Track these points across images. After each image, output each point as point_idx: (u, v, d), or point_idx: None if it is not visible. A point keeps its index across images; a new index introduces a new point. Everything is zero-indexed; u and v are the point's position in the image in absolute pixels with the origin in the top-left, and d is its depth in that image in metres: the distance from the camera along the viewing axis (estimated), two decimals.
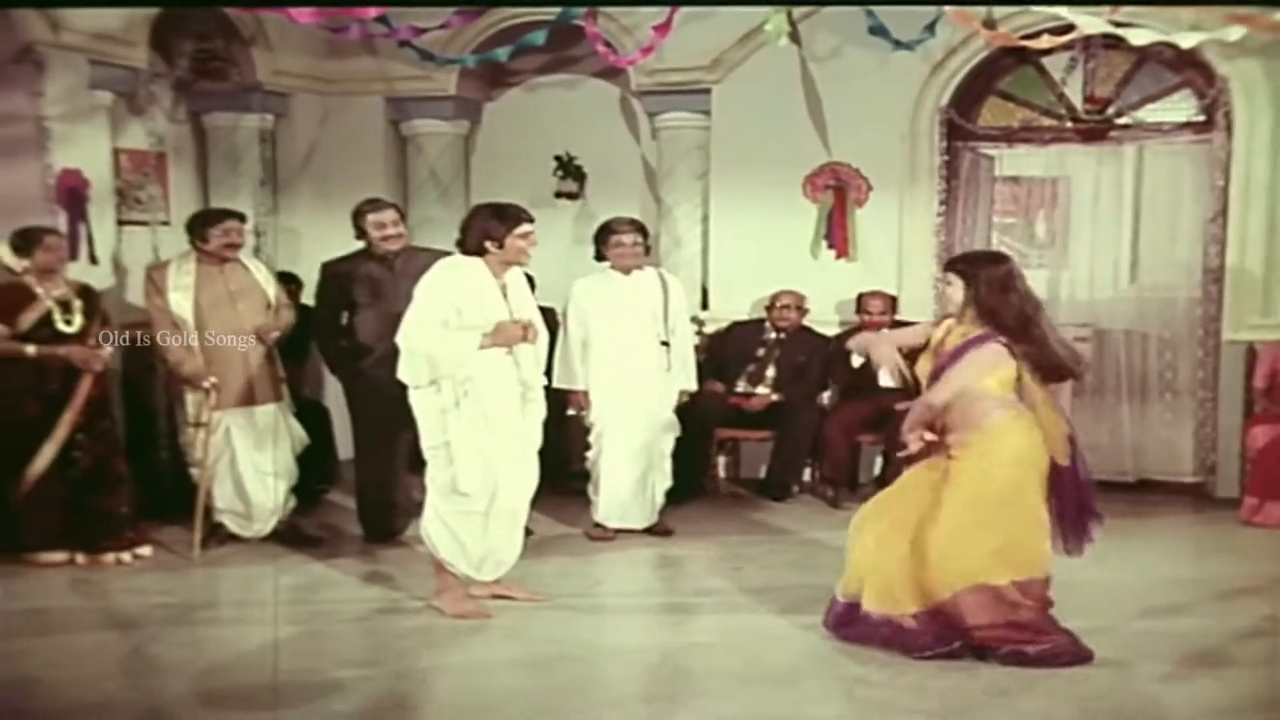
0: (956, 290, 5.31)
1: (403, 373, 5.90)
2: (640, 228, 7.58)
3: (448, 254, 7.34)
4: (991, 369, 5.17)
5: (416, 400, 5.91)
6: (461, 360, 5.78)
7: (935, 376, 5.29)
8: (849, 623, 5.43)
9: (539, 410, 6.10)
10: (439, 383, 5.82)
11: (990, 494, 5.12)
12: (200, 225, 7.24)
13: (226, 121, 9.19)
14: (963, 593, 5.11)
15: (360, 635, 5.86)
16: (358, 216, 7.24)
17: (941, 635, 5.18)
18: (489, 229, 5.90)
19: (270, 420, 7.26)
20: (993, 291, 5.20)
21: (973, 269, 5.33)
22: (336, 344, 7.32)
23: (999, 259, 5.53)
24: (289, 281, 8.70)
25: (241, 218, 7.41)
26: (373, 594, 6.43)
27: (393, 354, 6.92)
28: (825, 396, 8.63)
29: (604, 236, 7.52)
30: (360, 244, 7.29)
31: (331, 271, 7.35)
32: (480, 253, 5.92)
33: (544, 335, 6.16)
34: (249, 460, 7.18)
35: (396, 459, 7.26)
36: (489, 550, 5.99)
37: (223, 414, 7.10)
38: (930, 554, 5.14)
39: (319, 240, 9.38)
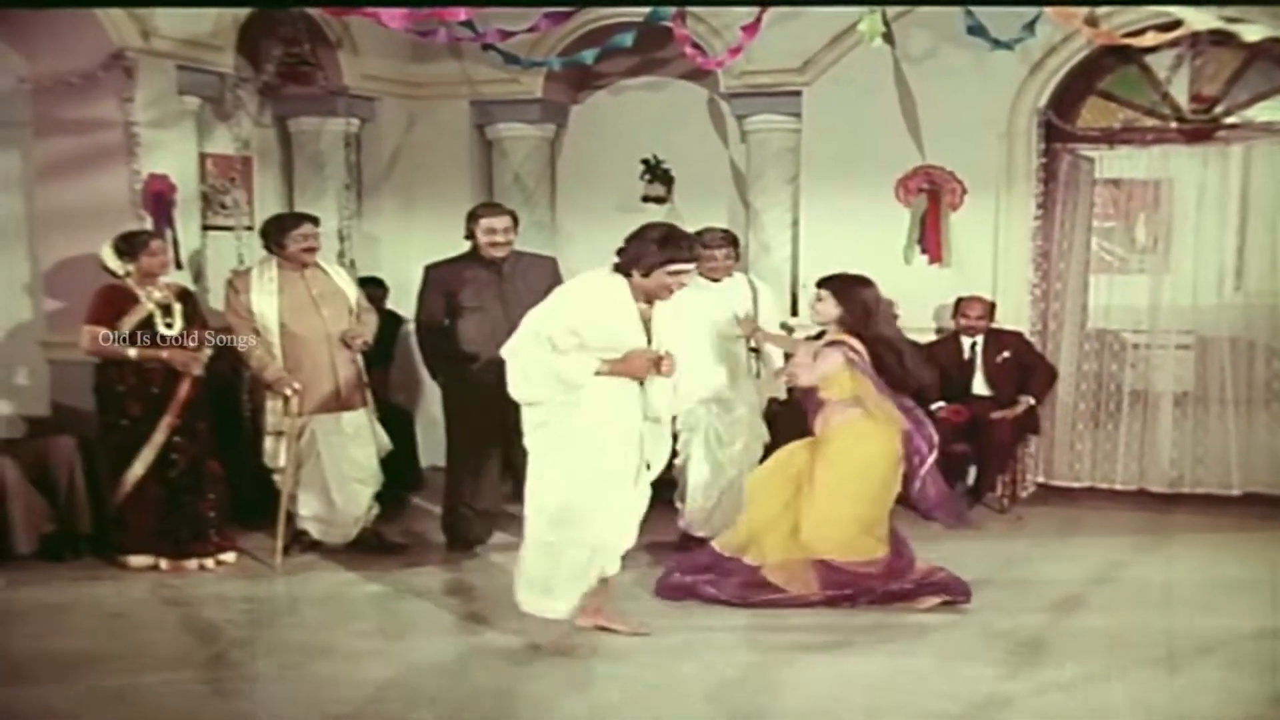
0: (828, 306, 6.40)
1: (509, 384, 5.76)
2: (732, 239, 7.63)
3: (552, 259, 7.59)
4: (833, 373, 6.32)
5: (524, 414, 5.81)
6: (567, 383, 5.56)
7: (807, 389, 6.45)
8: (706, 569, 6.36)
9: (663, 449, 5.93)
10: (542, 403, 5.67)
11: (847, 481, 6.25)
12: (275, 231, 7.41)
13: (312, 126, 9.41)
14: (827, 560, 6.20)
15: (444, 654, 5.94)
16: (471, 219, 7.40)
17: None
18: (644, 254, 5.57)
19: (355, 426, 7.42)
20: (860, 309, 6.36)
21: (844, 289, 6.41)
22: (439, 348, 7.45)
23: (868, 282, 6.52)
24: (373, 286, 8.91)
25: (315, 221, 7.56)
26: (453, 604, 6.55)
27: (497, 360, 7.12)
28: (936, 406, 8.63)
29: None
30: (464, 247, 7.46)
31: (436, 274, 7.49)
32: (628, 274, 5.63)
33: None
34: (334, 466, 7.34)
35: (489, 467, 7.41)
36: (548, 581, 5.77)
37: (308, 419, 7.28)
38: (804, 525, 6.26)
39: (402, 245, 9.65)
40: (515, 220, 7.54)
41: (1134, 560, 7.21)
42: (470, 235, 7.41)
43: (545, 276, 7.48)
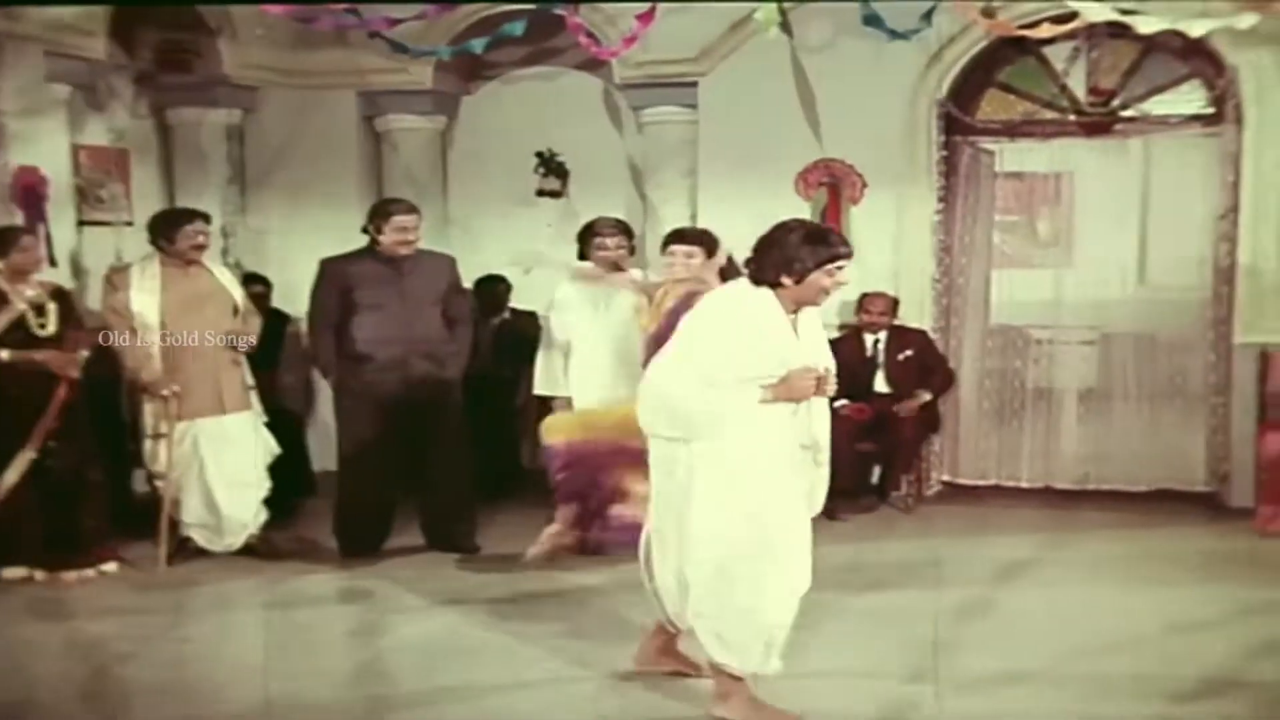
0: (698, 260, 6.51)
1: (643, 418, 4.95)
2: (625, 229, 7.58)
3: (450, 258, 7.49)
4: None
5: (654, 447, 5.01)
6: (729, 419, 4.77)
7: (658, 336, 5.87)
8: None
9: (825, 478, 5.23)
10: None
11: None
12: (165, 226, 7.21)
13: (192, 117, 9.17)
14: None
15: (341, 654, 5.83)
16: (380, 215, 7.22)
17: None
18: (794, 257, 4.74)
19: (240, 429, 7.25)
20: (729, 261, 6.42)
21: (709, 239, 6.65)
22: (332, 347, 7.26)
23: (714, 236, 6.77)
24: (258, 284, 8.70)
25: (207, 219, 7.38)
26: (348, 612, 6.42)
27: (394, 361, 6.97)
28: (841, 404, 8.57)
29: (587, 237, 7.51)
30: (353, 243, 7.32)
31: (332, 270, 7.31)
32: (774, 284, 4.81)
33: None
34: (219, 471, 7.16)
35: (384, 471, 7.27)
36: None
37: (189, 423, 7.09)
38: None
39: (289, 241, 9.43)
40: (421, 216, 7.40)
41: (1041, 558, 7.21)
42: (371, 230, 7.23)
43: (444, 275, 7.41)
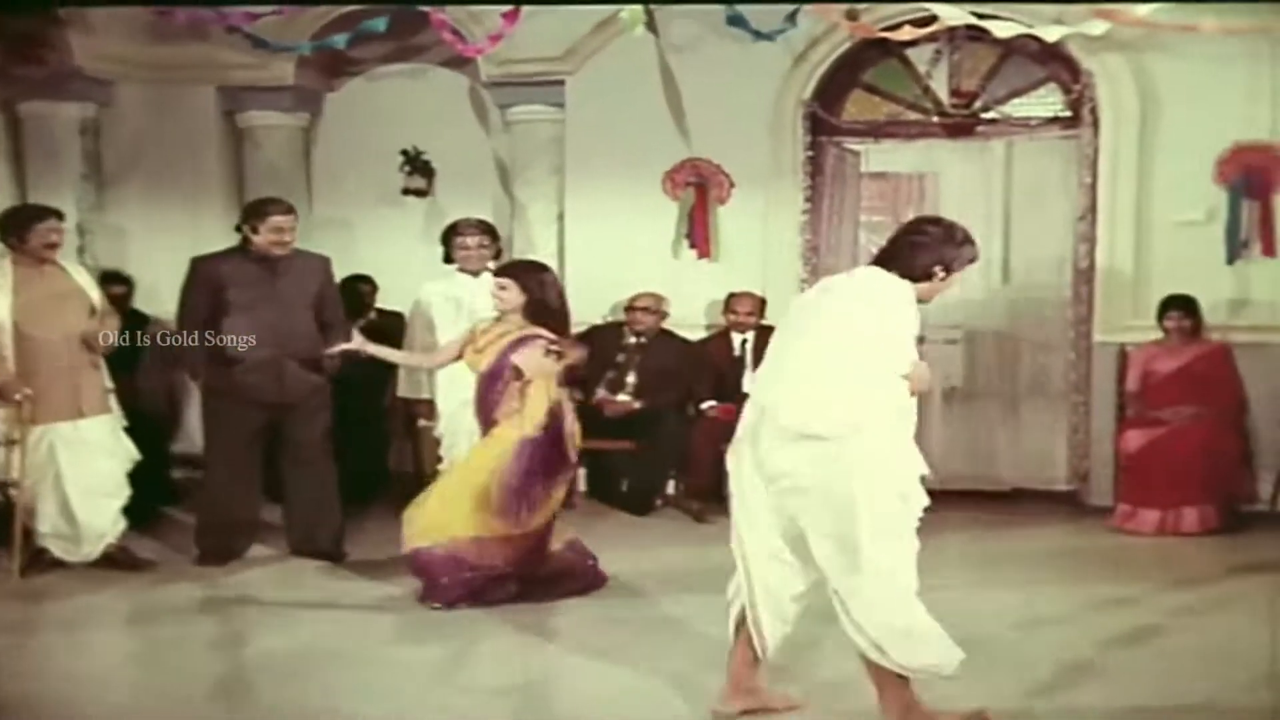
0: (513, 294, 6.38)
1: (796, 418, 4.64)
2: (488, 229, 7.60)
3: (325, 258, 7.47)
4: (541, 362, 6.33)
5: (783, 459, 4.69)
6: (892, 412, 4.63)
7: (493, 373, 6.35)
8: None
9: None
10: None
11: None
12: (15, 225, 7.03)
13: (43, 110, 9.00)
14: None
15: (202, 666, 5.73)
16: (256, 215, 7.13)
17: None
18: (957, 257, 4.71)
19: (98, 434, 7.09)
20: (546, 294, 6.44)
21: (526, 275, 6.47)
22: (203, 347, 7.14)
23: (544, 267, 6.75)
24: (116, 283, 8.55)
25: (60, 216, 7.21)
26: (209, 623, 6.33)
27: (265, 363, 6.87)
28: (707, 405, 8.65)
29: (449, 238, 7.52)
30: (213, 242, 7.23)
31: (204, 269, 7.20)
32: (917, 279, 4.68)
33: None
34: (76, 478, 6.99)
35: (249, 476, 7.21)
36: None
37: (45, 429, 6.92)
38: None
39: (149, 240, 9.29)
40: (297, 216, 7.34)
41: None
42: (246, 230, 7.15)
43: (318, 276, 7.35)
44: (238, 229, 7.25)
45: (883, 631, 4.59)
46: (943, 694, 4.89)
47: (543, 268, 6.75)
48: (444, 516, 6.34)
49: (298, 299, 7.17)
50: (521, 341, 6.37)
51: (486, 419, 6.46)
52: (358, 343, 6.72)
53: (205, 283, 7.16)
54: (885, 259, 4.78)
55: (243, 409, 7.05)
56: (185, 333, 7.24)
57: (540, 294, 6.45)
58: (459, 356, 6.61)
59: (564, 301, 6.61)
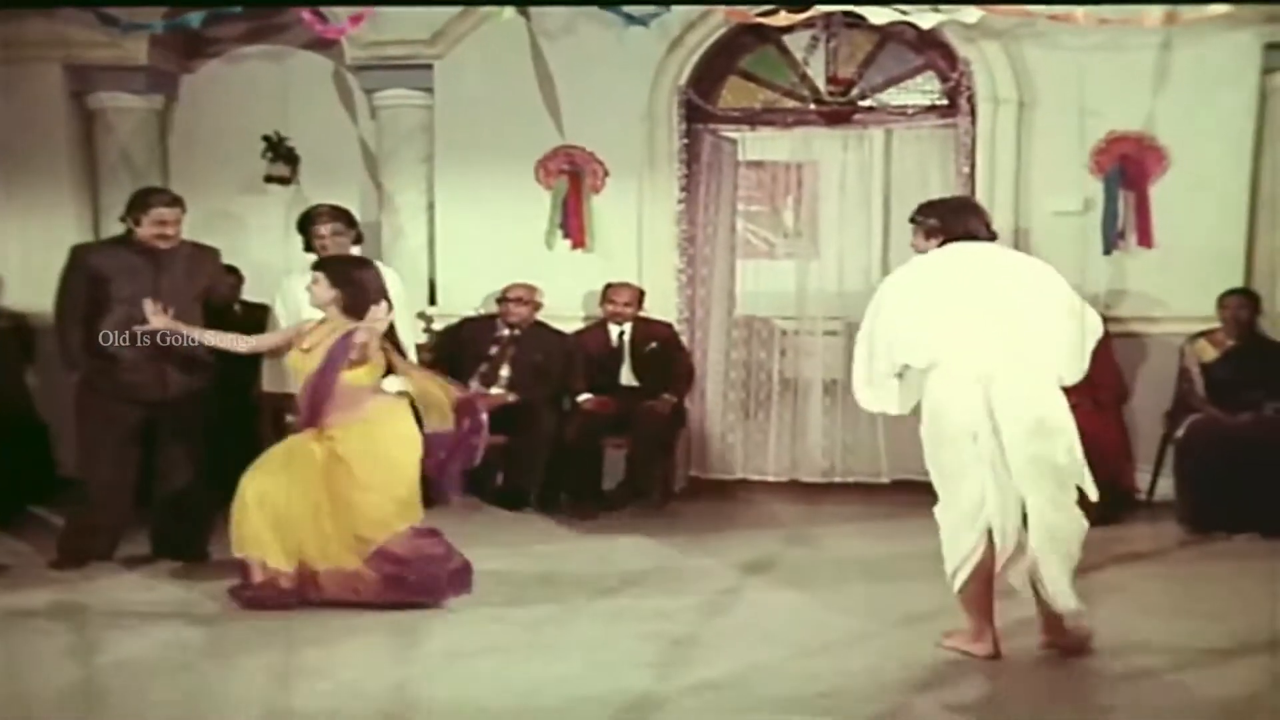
0: (323, 288, 6.25)
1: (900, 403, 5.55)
2: (342, 214, 7.46)
3: (215, 250, 7.31)
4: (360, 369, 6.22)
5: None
6: None
7: (323, 371, 6.18)
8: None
9: None
10: None
11: (379, 468, 6.14)
12: None
13: None
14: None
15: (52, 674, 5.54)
16: (138, 206, 6.93)
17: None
18: (960, 222, 5.64)
19: None
20: (362, 291, 6.25)
21: (342, 271, 6.35)
22: (81, 340, 6.90)
23: (367, 263, 6.62)
24: None
25: None
26: (61, 628, 6.08)
27: (144, 359, 6.67)
28: (585, 398, 8.58)
29: (306, 226, 7.39)
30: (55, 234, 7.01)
31: (84, 259, 6.99)
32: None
33: None
34: None
35: (124, 476, 7.02)
36: None
37: None
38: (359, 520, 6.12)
39: None
40: (184, 208, 7.10)
41: (784, 553, 7.34)
42: (129, 220, 6.95)
43: (206, 269, 7.18)
44: (122, 219, 7.06)
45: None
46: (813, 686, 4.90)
47: (363, 263, 6.64)
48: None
49: (183, 293, 6.95)
50: (346, 339, 6.19)
51: (314, 419, 6.25)
52: (164, 322, 6.53)
53: (84, 272, 6.94)
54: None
55: (121, 406, 6.87)
56: (63, 324, 7.00)
57: (355, 290, 6.27)
58: (285, 349, 6.47)
59: (383, 296, 6.38)
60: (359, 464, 6.14)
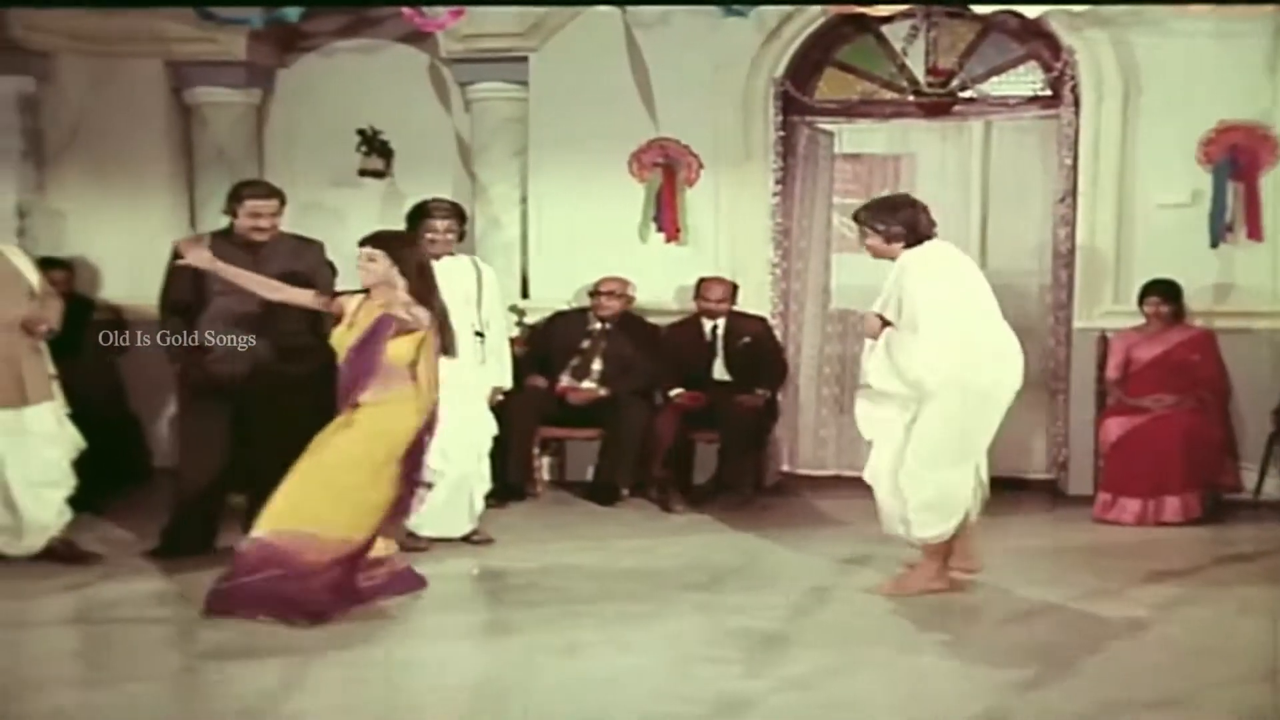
0: (381, 264, 6.15)
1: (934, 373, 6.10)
2: (458, 211, 7.50)
3: (319, 244, 7.40)
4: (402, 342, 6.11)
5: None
6: None
7: (360, 348, 6.09)
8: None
9: None
10: None
11: (368, 454, 6.02)
12: None
13: None
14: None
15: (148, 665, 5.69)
16: (232, 197, 7.11)
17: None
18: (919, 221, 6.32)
19: (40, 423, 6.99)
20: (420, 269, 6.20)
21: (397, 246, 6.25)
22: (182, 333, 7.06)
23: (416, 240, 6.72)
24: (56, 268, 8.47)
25: None
26: (160, 618, 6.25)
27: (245, 352, 6.92)
28: (677, 393, 8.62)
29: (418, 219, 7.42)
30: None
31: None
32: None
33: None
34: (18, 468, 6.89)
35: (221, 466, 7.17)
36: None
37: None
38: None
39: (92, 222, 9.22)
40: (283, 201, 7.27)
41: (876, 551, 7.33)
42: (228, 212, 7.12)
43: (307, 262, 7.26)
44: (224, 212, 7.22)
45: None
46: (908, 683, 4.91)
47: (415, 239, 6.74)
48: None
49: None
50: (387, 318, 6.09)
51: (349, 396, 6.13)
52: (204, 259, 6.39)
53: (184, 267, 7.08)
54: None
55: (216, 398, 7.02)
56: (165, 317, 7.19)
57: (411, 267, 6.18)
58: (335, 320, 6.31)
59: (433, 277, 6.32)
60: (358, 442, 6.03)
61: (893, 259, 6.30)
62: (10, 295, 6.97)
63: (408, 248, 6.34)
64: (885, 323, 6.24)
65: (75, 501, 7.16)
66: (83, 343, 8.50)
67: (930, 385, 6.10)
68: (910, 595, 6.27)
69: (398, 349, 6.05)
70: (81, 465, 7.20)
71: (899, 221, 6.26)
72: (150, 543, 7.26)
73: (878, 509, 6.45)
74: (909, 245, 6.26)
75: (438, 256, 7.35)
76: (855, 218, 6.53)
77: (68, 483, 7.10)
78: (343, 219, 9.46)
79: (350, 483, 5.97)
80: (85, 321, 8.67)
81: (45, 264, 8.03)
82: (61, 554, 7.05)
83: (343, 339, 6.20)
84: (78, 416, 7.26)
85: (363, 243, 6.28)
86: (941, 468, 6.18)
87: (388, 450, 6.02)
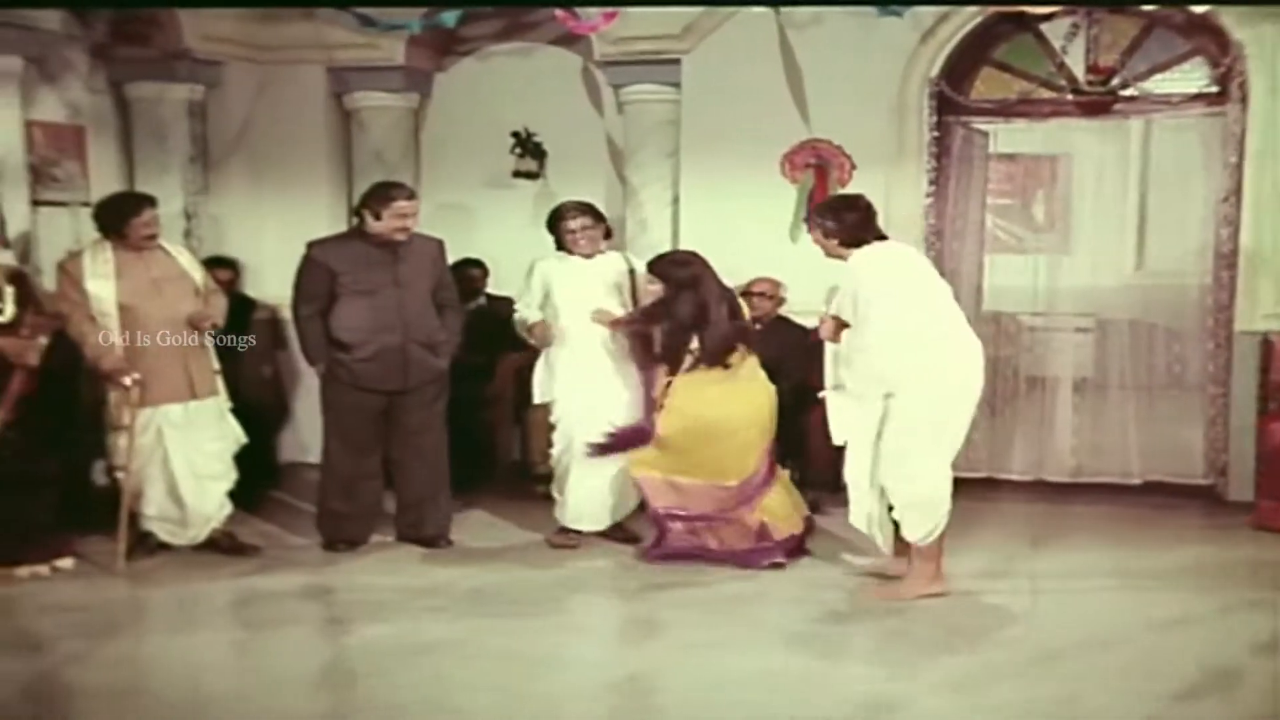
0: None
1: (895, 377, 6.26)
2: (589, 209, 7.55)
3: (439, 241, 7.52)
4: None
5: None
6: None
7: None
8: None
9: None
10: None
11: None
12: (113, 216, 7.11)
13: (151, 92, 9.10)
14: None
15: (304, 653, 5.82)
16: (379, 200, 7.22)
17: None
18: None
19: (206, 417, 7.21)
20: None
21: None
22: (321, 332, 7.23)
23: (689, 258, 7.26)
24: (222, 266, 8.69)
25: (155, 203, 7.28)
26: (311, 609, 6.42)
27: (387, 348, 7.03)
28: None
29: (554, 222, 7.50)
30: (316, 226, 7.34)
31: (320, 253, 7.31)
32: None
33: None
34: (184, 461, 7.11)
35: (368, 463, 7.33)
36: None
37: (153, 411, 7.04)
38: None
39: (253, 223, 9.44)
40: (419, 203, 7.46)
41: (1029, 553, 7.23)
42: (366, 214, 7.23)
43: (434, 259, 7.43)
44: (356, 212, 7.34)
45: None
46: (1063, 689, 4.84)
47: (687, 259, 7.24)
48: None
49: (417, 283, 7.26)
50: None
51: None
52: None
53: (320, 266, 7.24)
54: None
55: (362, 396, 7.16)
56: (302, 318, 7.33)
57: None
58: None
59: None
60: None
61: (841, 259, 6.53)
62: (178, 293, 7.18)
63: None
64: (843, 325, 6.41)
65: (234, 495, 7.37)
66: (244, 340, 8.72)
67: (891, 383, 6.25)
68: (906, 601, 6.31)
69: None
70: (240, 459, 7.40)
71: (847, 221, 6.48)
72: (312, 535, 7.43)
73: (852, 510, 6.58)
74: (856, 246, 6.43)
75: (588, 255, 7.42)
76: (817, 213, 6.76)
77: (230, 476, 7.31)
78: (496, 220, 9.59)
79: None
80: (247, 319, 8.91)
81: (211, 263, 8.27)
82: (223, 545, 7.27)
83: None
84: (237, 411, 7.46)
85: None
86: (918, 466, 6.25)
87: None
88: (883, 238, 6.54)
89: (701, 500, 6.97)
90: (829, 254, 6.63)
